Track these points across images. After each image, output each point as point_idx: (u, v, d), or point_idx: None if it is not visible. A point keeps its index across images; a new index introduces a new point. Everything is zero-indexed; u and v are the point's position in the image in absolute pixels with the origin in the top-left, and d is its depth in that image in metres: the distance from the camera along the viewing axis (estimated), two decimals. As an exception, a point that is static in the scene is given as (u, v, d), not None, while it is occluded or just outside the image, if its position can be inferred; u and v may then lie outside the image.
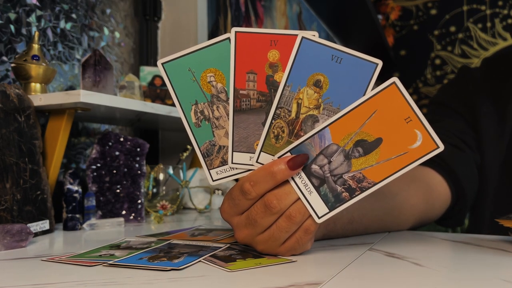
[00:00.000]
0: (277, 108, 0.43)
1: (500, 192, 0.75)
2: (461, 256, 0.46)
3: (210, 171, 0.45)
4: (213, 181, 0.45)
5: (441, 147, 0.40)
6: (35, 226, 0.60)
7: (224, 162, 0.45)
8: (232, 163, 0.44)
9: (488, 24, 2.83)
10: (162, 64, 0.45)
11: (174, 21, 1.24)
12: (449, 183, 0.72)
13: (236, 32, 0.44)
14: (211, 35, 1.30)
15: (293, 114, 0.43)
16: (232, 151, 0.44)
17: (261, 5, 1.66)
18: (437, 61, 2.97)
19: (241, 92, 0.44)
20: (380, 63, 0.41)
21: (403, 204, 0.62)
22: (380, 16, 2.95)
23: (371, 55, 0.42)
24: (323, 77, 0.42)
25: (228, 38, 0.44)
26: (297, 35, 0.42)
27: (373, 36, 2.58)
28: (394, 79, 0.40)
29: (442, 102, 0.82)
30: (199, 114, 0.45)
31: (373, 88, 0.41)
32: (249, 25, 1.55)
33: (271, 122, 0.43)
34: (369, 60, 0.41)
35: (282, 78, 0.43)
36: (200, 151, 0.45)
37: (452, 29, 2.93)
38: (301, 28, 2.06)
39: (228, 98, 0.44)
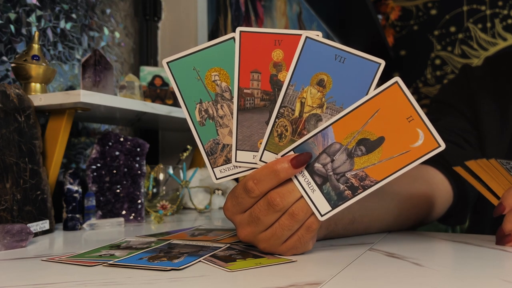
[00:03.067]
0: (280, 107, 0.43)
1: None
2: (461, 256, 0.46)
3: (214, 169, 0.46)
4: (217, 179, 0.46)
5: (443, 146, 0.40)
6: (35, 226, 0.60)
7: (227, 161, 0.45)
8: (235, 161, 0.45)
9: (488, 24, 2.83)
10: (167, 63, 0.45)
11: (174, 21, 1.24)
12: (451, 181, 0.71)
13: (240, 31, 0.44)
14: (211, 35, 1.30)
15: (297, 113, 0.43)
16: (236, 149, 0.44)
17: (261, 5, 1.66)
18: (437, 61, 2.97)
19: (245, 91, 0.44)
20: (383, 63, 0.41)
21: (405, 204, 0.62)
22: (380, 16, 2.95)
23: (371, 55, 0.42)
24: (327, 77, 0.43)
25: (233, 38, 0.44)
26: (301, 35, 0.43)
27: (373, 36, 2.58)
28: (397, 78, 0.41)
29: (444, 100, 0.82)
30: (203, 113, 0.45)
31: (375, 88, 0.41)
32: (249, 25, 1.55)
33: (275, 121, 0.43)
34: (372, 60, 0.41)
35: (286, 77, 0.43)
36: (204, 150, 0.46)
37: (452, 29, 2.93)
38: (301, 28, 2.06)
39: (232, 97, 0.45)
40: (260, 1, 1.65)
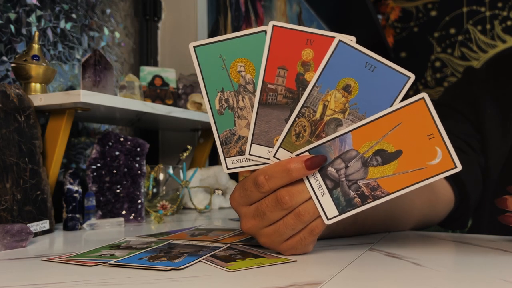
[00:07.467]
0: (302, 106, 0.43)
1: (499, 193, 0.74)
2: (461, 256, 0.46)
3: (226, 159, 0.45)
4: (228, 169, 0.45)
5: (459, 167, 0.40)
6: (35, 226, 0.60)
7: (241, 152, 0.45)
8: (249, 154, 0.44)
9: (488, 26, 2.84)
10: (194, 47, 0.45)
11: (174, 21, 1.24)
12: (452, 186, 0.71)
13: (273, 25, 0.43)
14: (211, 35, 1.30)
15: (318, 115, 0.43)
16: (251, 142, 0.44)
17: (261, 5, 1.66)
18: (437, 63, 2.97)
19: (269, 86, 0.44)
20: (412, 76, 0.41)
21: (406, 207, 0.62)
22: (380, 16, 2.95)
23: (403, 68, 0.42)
24: (354, 83, 0.42)
25: (265, 31, 0.44)
26: (334, 37, 0.42)
27: (373, 36, 2.59)
28: (424, 94, 0.40)
29: (447, 103, 0.81)
30: (223, 102, 0.45)
31: (401, 101, 0.41)
32: (249, 25, 1.55)
33: (295, 120, 0.43)
34: (403, 72, 0.41)
35: (312, 77, 0.43)
36: (219, 138, 0.45)
37: (452, 31, 2.93)
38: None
39: (255, 90, 0.44)
40: (260, 1, 1.65)
